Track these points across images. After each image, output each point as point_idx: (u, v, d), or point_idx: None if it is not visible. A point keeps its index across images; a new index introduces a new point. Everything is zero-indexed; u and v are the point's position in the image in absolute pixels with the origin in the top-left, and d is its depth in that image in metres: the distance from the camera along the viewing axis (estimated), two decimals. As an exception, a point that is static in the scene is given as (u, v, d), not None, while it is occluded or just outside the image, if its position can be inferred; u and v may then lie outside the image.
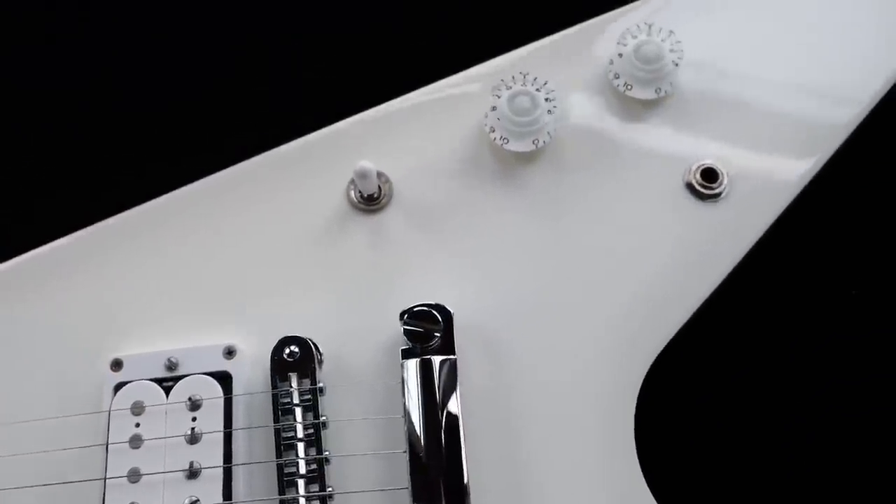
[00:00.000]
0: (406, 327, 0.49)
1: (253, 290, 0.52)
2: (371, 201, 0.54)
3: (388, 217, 0.54)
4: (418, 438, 0.47)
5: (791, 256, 0.63)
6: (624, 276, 0.52)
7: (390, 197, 0.54)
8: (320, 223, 0.54)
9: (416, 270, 0.53)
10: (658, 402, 0.56)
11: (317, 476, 0.46)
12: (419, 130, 0.56)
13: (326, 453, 0.47)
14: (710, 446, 0.60)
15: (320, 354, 0.50)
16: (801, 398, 0.61)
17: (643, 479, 0.49)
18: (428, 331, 0.49)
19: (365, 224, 0.54)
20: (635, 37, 0.55)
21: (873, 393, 0.61)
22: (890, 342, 0.62)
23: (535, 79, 0.54)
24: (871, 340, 0.62)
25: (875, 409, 0.61)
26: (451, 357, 0.49)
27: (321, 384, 0.48)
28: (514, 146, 0.54)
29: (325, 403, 0.49)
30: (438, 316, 0.49)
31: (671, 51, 0.55)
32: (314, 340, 0.50)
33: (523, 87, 0.54)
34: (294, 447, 0.47)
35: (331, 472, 0.48)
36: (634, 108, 0.56)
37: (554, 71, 0.56)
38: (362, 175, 0.52)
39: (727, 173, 0.54)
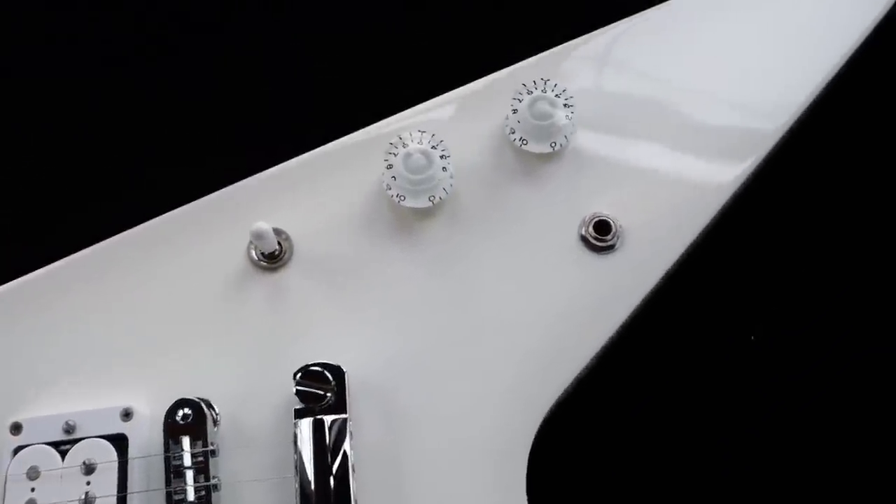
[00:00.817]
0: (298, 388, 0.50)
1: (154, 351, 0.53)
2: (272, 259, 0.55)
3: (289, 275, 0.55)
4: (308, 498, 0.47)
5: (687, 304, 0.64)
6: (518, 331, 0.53)
7: (291, 254, 0.55)
8: (221, 282, 0.54)
9: (314, 328, 0.53)
10: (551, 459, 0.57)
11: (206, 537, 0.47)
12: (320, 188, 0.57)
13: (216, 516, 0.48)
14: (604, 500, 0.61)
15: (217, 415, 0.51)
16: (698, 448, 0.62)
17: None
18: (319, 391, 0.49)
19: (265, 282, 0.55)
20: (530, 92, 0.56)
21: (767, 438, 0.62)
22: (788, 386, 0.63)
23: (433, 136, 0.55)
24: (768, 385, 0.63)
25: (769, 455, 0.62)
26: (343, 416, 0.50)
27: (214, 446, 0.49)
28: (411, 203, 0.55)
29: (219, 464, 0.50)
30: (330, 375, 0.50)
31: (565, 105, 0.56)
32: (212, 400, 0.51)
33: (419, 146, 0.55)
34: (182, 512, 0.47)
35: (223, 536, 0.48)
36: (531, 163, 0.57)
37: (452, 128, 0.57)
38: (258, 236, 0.52)
39: (620, 225, 0.55)
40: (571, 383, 0.57)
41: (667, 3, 0.62)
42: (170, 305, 0.54)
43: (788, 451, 0.62)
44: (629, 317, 0.59)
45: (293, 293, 0.54)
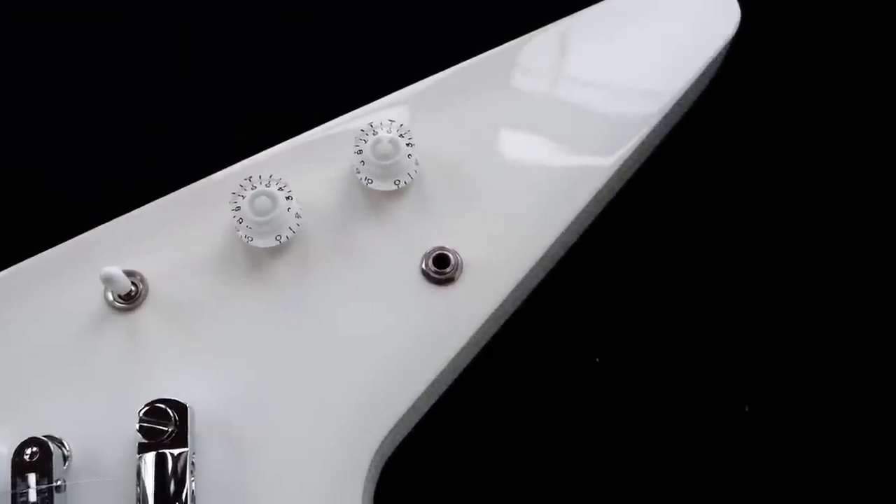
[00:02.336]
0: (140, 423, 0.52)
1: (12, 393, 0.55)
2: (128, 299, 0.57)
3: (143, 315, 0.57)
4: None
5: (533, 329, 0.66)
6: (358, 363, 0.56)
7: (146, 294, 0.58)
8: (78, 324, 0.57)
9: (166, 366, 0.56)
10: (400, 489, 0.60)
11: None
12: (175, 231, 0.59)
13: (59, 552, 0.50)
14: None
15: (68, 452, 0.53)
16: (549, 475, 0.65)
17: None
18: (161, 426, 0.52)
19: (121, 323, 0.57)
20: (376, 133, 0.59)
21: (612, 457, 0.65)
22: (632, 408, 0.66)
23: (280, 179, 0.58)
24: (613, 407, 0.65)
25: (615, 476, 0.64)
26: (184, 450, 0.52)
27: (59, 482, 0.52)
28: (259, 243, 0.58)
29: (68, 499, 0.52)
30: (171, 412, 0.52)
31: (408, 144, 0.59)
32: (64, 439, 0.53)
33: (264, 188, 0.57)
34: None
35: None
36: (377, 201, 0.60)
37: (301, 170, 0.60)
38: (107, 280, 0.55)
39: (460, 257, 0.58)
40: (421, 411, 0.60)
41: (519, 39, 0.65)
42: (27, 350, 0.56)
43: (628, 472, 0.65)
44: (483, 343, 0.62)
45: (147, 333, 0.57)
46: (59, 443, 0.53)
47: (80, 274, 0.58)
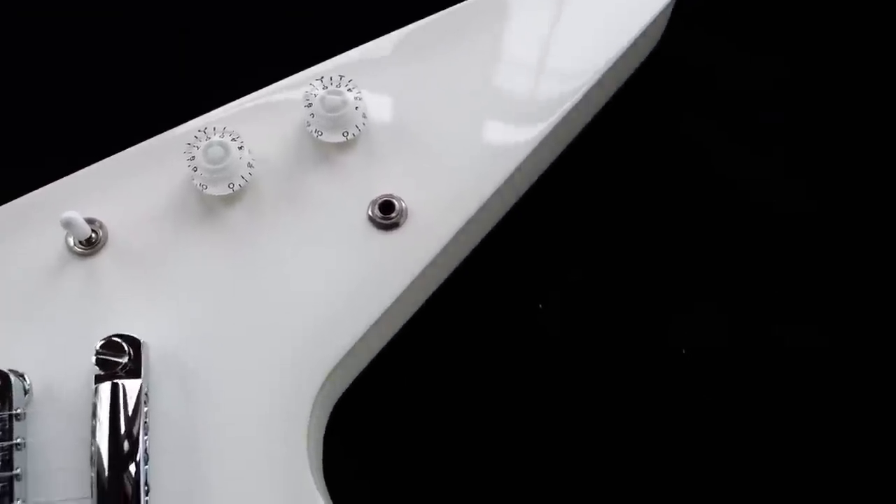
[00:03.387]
0: (97, 356, 0.55)
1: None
2: (89, 245, 0.60)
3: (102, 259, 0.60)
4: (101, 457, 0.52)
5: (481, 278, 0.69)
6: (306, 303, 0.59)
7: (105, 241, 0.61)
8: (40, 269, 0.60)
9: (123, 306, 0.59)
10: (347, 434, 0.63)
11: (7, 492, 0.52)
12: (133, 182, 0.62)
13: (17, 471, 0.53)
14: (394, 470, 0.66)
15: (28, 385, 0.56)
16: (493, 425, 0.67)
17: (315, 491, 0.55)
18: (117, 358, 0.55)
19: (81, 267, 0.60)
20: (325, 87, 0.62)
21: (558, 407, 0.68)
22: (573, 350, 0.69)
23: (233, 131, 0.61)
24: (555, 349, 0.68)
25: (557, 413, 0.67)
26: (138, 381, 0.55)
27: (19, 411, 0.54)
28: (213, 191, 0.61)
29: (27, 428, 0.55)
30: (126, 345, 0.55)
31: (355, 98, 0.62)
32: (26, 373, 0.56)
33: (218, 138, 0.60)
34: (-11, 467, 0.53)
35: (27, 490, 0.54)
36: (327, 152, 0.63)
37: (254, 123, 0.63)
38: (67, 224, 0.58)
39: (404, 204, 0.61)
40: (369, 357, 0.63)
41: (465, 3, 0.67)
42: (-7, 291, 0.59)
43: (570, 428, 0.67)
44: (432, 289, 0.65)
45: (106, 276, 0.60)
46: (20, 376, 0.56)
47: (42, 223, 0.61)
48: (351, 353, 0.59)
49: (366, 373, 0.65)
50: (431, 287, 0.65)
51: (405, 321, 0.65)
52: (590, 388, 0.68)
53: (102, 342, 0.55)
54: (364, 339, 0.59)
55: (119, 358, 0.55)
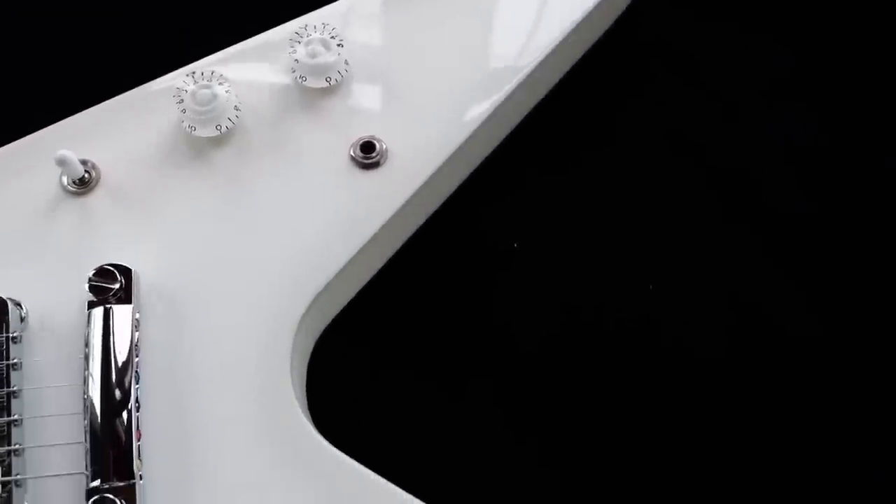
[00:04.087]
0: (90, 283, 0.58)
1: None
2: (82, 184, 0.63)
3: (95, 198, 0.63)
4: (94, 377, 0.55)
5: (460, 219, 0.72)
6: (289, 236, 0.61)
7: (98, 181, 0.63)
8: (36, 207, 0.62)
9: (115, 240, 0.61)
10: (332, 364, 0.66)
11: (3, 406, 0.55)
12: (125, 127, 0.65)
13: (14, 388, 0.56)
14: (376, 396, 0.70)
15: (24, 313, 0.59)
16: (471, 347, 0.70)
17: (302, 416, 0.58)
18: (108, 285, 0.57)
19: (75, 205, 0.63)
20: (310, 35, 0.65)
21: (538, 342, 0.70)
22: (549, 286, 0.72)
23: (221, 75, 0.64)
24: (530, 286, 0.71)
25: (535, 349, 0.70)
26: (129, 306, 0.58)
27: (15, 334, 0.57)
28: (201, 132, 0.63)
29: (23, 351, 0.58)
30: (117, 273, 0.58)
31: (338, 45, 0.65)
32: (22, 302, 0.59)
33: (207, 82, 0.63)
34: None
35: (23, 406, 0.56)
36: (311, 96, 0.65)
37: (242, 70, 0.66)
38: (61, 162, 0.61)
39: (385, 145, 0.64)
40: (351, 293, 0.66)
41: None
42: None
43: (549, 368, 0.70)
44: (412, 229, 0.68)
45: (99, 213, 0.62)
46: (17, 304, 0.58)
47: (37, 165, 0.64)
48: (332, 285, 0.61)
49: (347, 310, 0.67)
50: (412, 226, 0.68)
51: (386, 259, 0.68)
52: (570, 322, 0.71)
53: (95, 270, 0.58)
54: (345, 271, 0.62)
55: (111, 284, 0.57)
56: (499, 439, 0.69)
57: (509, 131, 0.72)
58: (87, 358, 0.56)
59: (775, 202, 0.74)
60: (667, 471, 0.68)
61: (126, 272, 0.59)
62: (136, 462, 0.54)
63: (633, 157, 0.76)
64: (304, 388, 0.63)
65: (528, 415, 0.69)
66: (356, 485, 0.56)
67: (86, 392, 0.55)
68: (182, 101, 0.63)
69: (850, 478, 0.67)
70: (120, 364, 0.56)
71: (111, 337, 0.56)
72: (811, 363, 0.70)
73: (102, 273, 0.58)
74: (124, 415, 0.55)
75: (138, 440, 0.55)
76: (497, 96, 0.66)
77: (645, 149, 0.77)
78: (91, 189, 0.63)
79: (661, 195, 0.74)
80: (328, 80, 0.65)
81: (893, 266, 0.72)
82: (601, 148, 0.77)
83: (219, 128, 0.63)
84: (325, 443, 0.57)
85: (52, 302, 0.60)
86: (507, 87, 0.66)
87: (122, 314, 0.57)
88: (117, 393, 0.55)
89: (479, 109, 0.65)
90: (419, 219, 0.68)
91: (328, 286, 0.61)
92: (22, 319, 0.58)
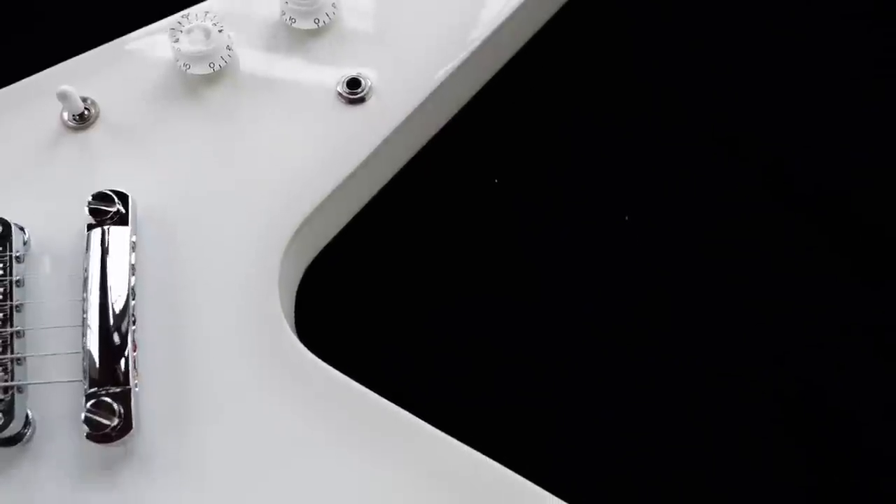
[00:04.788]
0: (89, 206, 0.61)
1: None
2: (82, 120, 0.66)
3: (94, 133, 0.66)
4: (89, 290, 0.58)
5: (444, 156, 0.75)
6: (278, 167, 0.65)
7: (97, 117, 0.67)
8: (38, 140, 0.66)
9: (112, 171, 0.65)
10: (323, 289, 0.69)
11: (7, 318, 0.58)
12: (122, 67, 0.68)
13: (17, 302, 0.59)
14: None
15: (27, 237, 0.62)
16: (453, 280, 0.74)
17: (290, 332, 0.61)
18: (107, 207, 0.61)
19: (75, 139, 0.66)
20: (298, -20, 0.68)
21: (520, 273, 0.73)
22: (526, 217, 0.75)
23: (214, 15, 0.67)
24: (510, 218, 0.75)
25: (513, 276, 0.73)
26: (126, 228, 0.61)
27: (19, 253, 0.60)
28: (195, 70, 0.67)
29: (26, 270, 0.61)
30: (116, 197, 0.61)
31: (326, -12, 0.68)
32: (26, 228, 0.62)
33: (200, 22, 0.66)
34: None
35: (25, 319, 0.59)
36: (300, 37, 0.69)
37: (235, 12, 0.69)
38: (63, 96, 0.64)
39: (370, 82, 0.67)
40: (340, 223, 0.69)
41: None
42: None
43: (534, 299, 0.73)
44: (398, 165, 0.71)
45: (98, 146, 0.66)
46: (21, 228, 0.62)
47: (39, 103, 0.67)
48: (319, 213, 0.65)
49: (335, 244, 0.70)
50: (398, 162, 0.71)
51: (373, 193, 0.71)
52: (554, 249, 0.74)
53: (94, 195, 0.61)
54: (331, 200, 0.65)
55: (109, 207, 0.61)
56: (490, 357, 0.71)
57: (493, 73, 0.75)
58: (86, 274, 0.59)
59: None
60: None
61: (123, 197, 0.62)
62: (131, 371, 0.57)
63: (617, 97, 0.79)
64: (293, 311, 0.66)
65: (517, 335, 0.72)
66: (341, 394, 0.59)
67: (85, 305, 0.58)
68: (177, 41, 0.66)
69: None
70: (117, 280, 0.59)
71: (109, 254, 0.59)
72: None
73: (101, 197, 0.61)
74: (121, 327, 0.58)
75: (134, 352, 0.58)
76: (479, 34, 0.69)
77: (632, 90, 0.80)
78: (90, 125, 0.66)
79: (641, 131, 0.77)
80: (316, 21, 0.68)
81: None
82: (585, 87, 0.79)
83: (212, 66, 0.66)
84: (312, 356, 0.60)
85: (54, 228, 0.63)
86: (490, 27, 0.69)
87: (119, 234, 0.60)
88: (115, 306, 0.58)
89: (461, 49, 0.68)
90: (405, 155, 0.71)
91: (315, 213, 0.64)
92: (24, 243, 0.61)
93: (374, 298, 0.74)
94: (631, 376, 0.71)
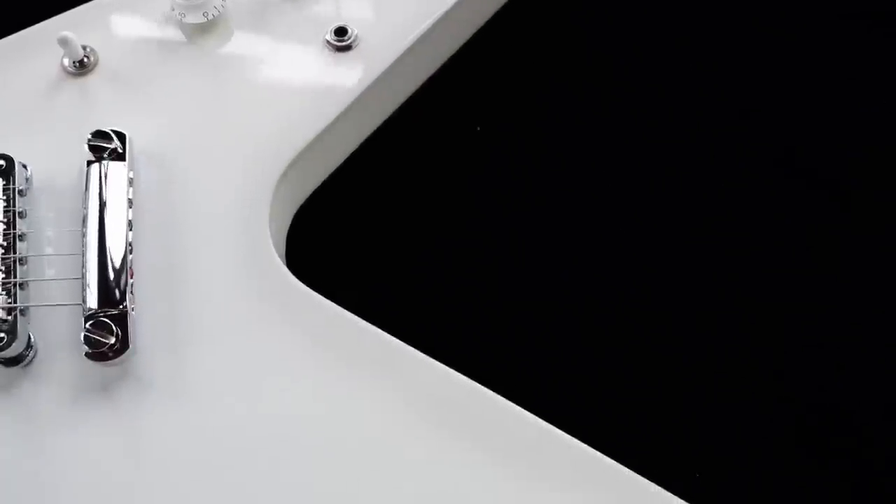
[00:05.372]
0: (88, 143, 0.64)
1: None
2: (82, 66, 0.70)
3: (94, 78, 0.69)
4: (88, 219, 0.61)
5: (430, 104, 0.78)
6: (271, 108, 0.68)
7: (96, 64, 0.70)
8: (39, 86, 0.69)
9: (111, 113, 0.68)
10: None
11: (10, 245, 0.61)
12: (121, 17, 0.72)
13: (20, 232, 0.62)
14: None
15: (29, 174, 0.65)
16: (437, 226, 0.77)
17: (280, 263, 0.64)
18: (106, 144, 0.64)
19: (76, 84, 0.69)
20: (289, -66, 0.71)
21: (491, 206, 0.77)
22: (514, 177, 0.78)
23: (207, -31, 0.70)
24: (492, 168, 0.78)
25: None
26: (123, 163, 0.64)
27: (22, 187, 0.63)
28: (190, 19, 0.70)
29: (29, 206, 0.64)
30: (113, 134, 0.65)
31: (314, -57, 0.71)
32: (28, 164, 0.65)
33: (195, -28, 0.70)
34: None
35: (28, 247, 0.63)
36: (289, -10, 0.72)
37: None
38: (63, 42, 0.67)
39: (356, 30, 0.70)
40: (329, 167, 0.72)
41: None
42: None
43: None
44: (386, 112, 0.74)
45: (97, 91, 0.69)
46: (24, 165, 0.65)
47: (41, 51, 0.70)
48: (308, 153, 0.68)
49: (322, 190, 0.73)
50: (385, 109, 0.74)
51: (361, 140, 0.74)
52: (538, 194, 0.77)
53: (93, 132, 0.64)
54: (319, 142, 0.68)
55: (108, 144, 0.64)
56: (476, 293, 0.75)
57: (481, 24, 0.79)
58: (86, 206, 0.62)
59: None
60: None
61: (121, 136, 0.65)
62: (128, 295, 0.60)
63: (601, 50, 0.82)
64: (285, 250, 0.69)
65: (499, 272, 0.75)
66: (328, 319, 0.62)
67: (85, 234, 0.61)
68: (174, -11, 0.70)
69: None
70: (115, 211, 0.62)
71: (107, 188, 0.63)
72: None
73: (100, 135, 0.64)
74: (119, 254, 0.61)
75: (131, 278, 0.61)
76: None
77: (617, 41, 0.83)
78: (90, 71, 0.70)
79: (630, 81, 0.80)
80: (305, -25, 0.71)
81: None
82: (575, 42, 0.82)
83: (206, 15, 0.70)
84: (300, 283, 0.63)
85: (55, 166, 0.66)
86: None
87: (117, 168, 0.63)
88: (113, 236, 0.61)
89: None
90: (391, 102, 0.75)
91: (304, 153, 0.68)
92: (27, 179, 0.65)
93: (362, 241, 0.77)
94: (628, 366, 0.73)
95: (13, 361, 0.60)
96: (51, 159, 0.66)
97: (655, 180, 0.78)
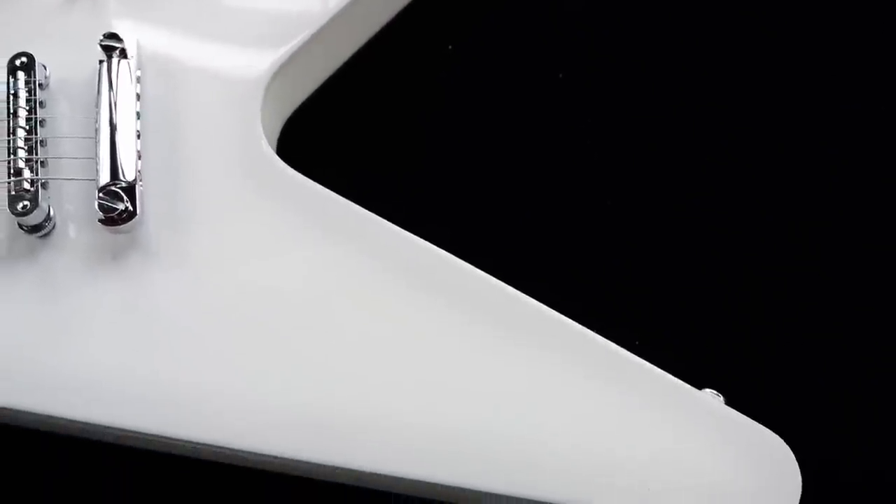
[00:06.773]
0: (100, 43, 0.72)
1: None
2: None
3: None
4: (101, 103, 0.69)
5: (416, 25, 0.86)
6: (258, 20, 0.76)
7: (104, 0, 0.78)
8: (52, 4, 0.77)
9: (121, 22, 0.76)
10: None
11: (33, 129, 0.69)
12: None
13: (41, 117, 0.70)
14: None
15: (48, 74, 0.73)
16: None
17: (273, 155, 0.72)
18: (116, 43, 0.72)
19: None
20: None
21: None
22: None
23: None
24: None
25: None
26: (132, 59, 0.72)
27: (41, 81, 0.72)
28: (191, -57, 0.78)
29: (49, 95, 0.72)
30: (121, 35, 0.73)
31: None
32: (46, 64, 0.73)
33: None
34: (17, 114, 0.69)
35: (48, 131, 0.71)
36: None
37: None
38: (78, -42, 0.76)
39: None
40: (319, 79, 0.80)
41: None
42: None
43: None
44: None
45: (107, 4, 0.77)
46: (42, 65, 0.73)
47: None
48: (294, 61, 0.76)
49: (310, 104, 0.81)
50: (370, 28, 0.82)
51: (344, 59, 0.82)
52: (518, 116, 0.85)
53: (105, 34, 0.72)
54: (306, 51, 0.76)
55: (118, 44, 0.72)
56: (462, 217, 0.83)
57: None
58: (98, 96, 0.70)
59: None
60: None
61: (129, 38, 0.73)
62: (136, 171, 0.69)
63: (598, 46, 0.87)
64: (276, 143, 0.78)
65: (482, 189, 0.83)
66: (317, 199, 0.71)
67: (98, 119, 0.69)
68: (176, -83, 0.78)
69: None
70: (124, 100, 0.70)
71: (118, 80, 0.71)
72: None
73: (111, 36, 0.72)
74: (128, 137, 0.69)
75: (139, 159, 0.69)
76: None
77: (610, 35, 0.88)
78: (97, 3, 0.78)
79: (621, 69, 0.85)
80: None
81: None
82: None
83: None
84: (291, 169, 0.71)
85: (70, 66, 0.74)
86: None
87: (126, 66, 0.72)
88: (122, 121, 0.69)
89: None
90: (377, 19, 0.83)
91: (291, 60, 0.76)
92: (46, 77, 0.73)
93: (348, 156, 0.84)
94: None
95: (35, 229, 0.68)
96: (67, 60, 0.74)
97: (654, 180, 0.82)
